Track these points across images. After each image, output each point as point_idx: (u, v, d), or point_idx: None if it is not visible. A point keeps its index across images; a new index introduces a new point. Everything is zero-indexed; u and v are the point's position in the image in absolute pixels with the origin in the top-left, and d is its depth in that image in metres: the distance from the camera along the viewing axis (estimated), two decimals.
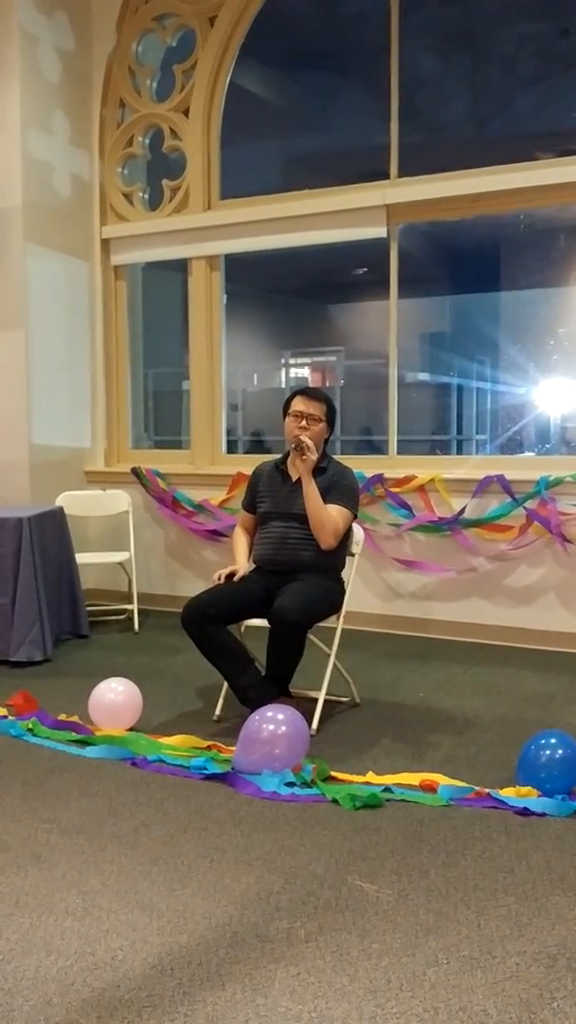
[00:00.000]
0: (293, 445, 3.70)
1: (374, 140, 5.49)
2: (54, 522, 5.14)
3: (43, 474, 5.74)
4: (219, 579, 3.75)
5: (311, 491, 3.69)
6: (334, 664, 3.81)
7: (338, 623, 3.82)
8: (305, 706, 3.60)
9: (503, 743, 3.51)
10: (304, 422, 3.76)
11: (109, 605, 5.81)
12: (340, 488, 3.78)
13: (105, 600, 5.90)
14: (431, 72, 8.27)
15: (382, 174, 5.40)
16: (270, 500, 3.88)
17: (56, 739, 3.56)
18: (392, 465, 5.40)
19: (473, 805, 2.95)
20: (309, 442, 3.67)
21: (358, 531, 4.02)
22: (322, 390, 3.97)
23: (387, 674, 4.51)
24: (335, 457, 4.05)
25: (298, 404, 3.80)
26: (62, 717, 3.77)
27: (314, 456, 3.69)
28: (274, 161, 9.00)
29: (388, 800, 2.99)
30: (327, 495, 3.73)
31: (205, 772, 3.19)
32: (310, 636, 3.64)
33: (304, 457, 3.67)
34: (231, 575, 3.76)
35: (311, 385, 13.53)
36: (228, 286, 6.01)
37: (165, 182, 5.96)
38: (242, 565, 3.83)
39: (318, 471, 3.78)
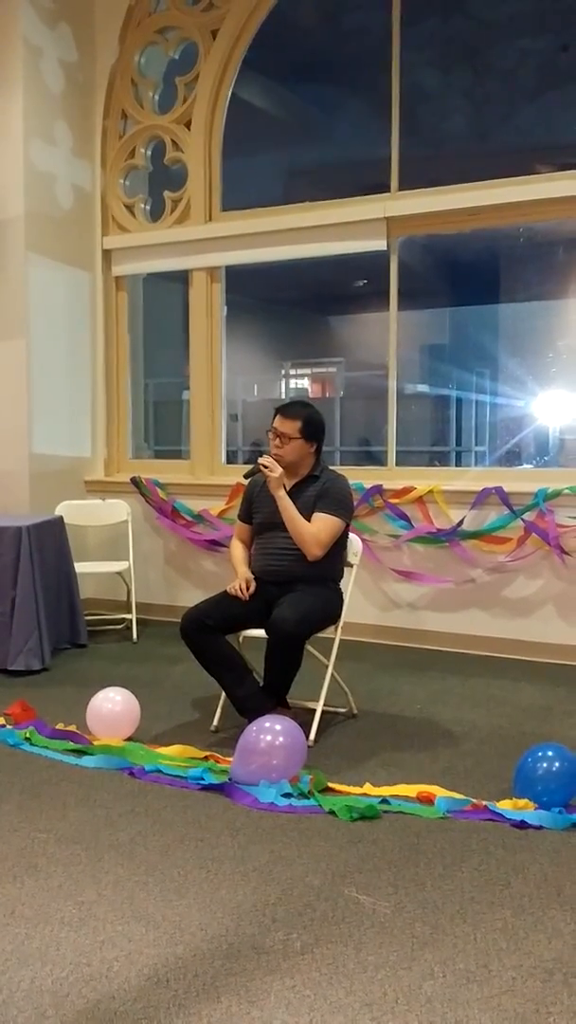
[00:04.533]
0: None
1: (375, 153, 5.51)
2: (53, 531, 5.14)
3: (43, 483, 5.74)
4: (235, 591, 3.67)
5: (284, 505, 3.70)
6: (332, 675, 3.81)
7: (336, 634, 3.82)
8: (303, 717, 3.60)
9: (500, 755, 3.51)
10: (278, 441, 3.78)
11: (108, 615, 5.81)
12: (329, 496, 3.77)
13: (104, 610, 5.89)
14: (432, 86, 8.31)
15: (383, 187, 5.42)
16: (265, 511, 3.87)
17: (53, 748, 3.56)
18: (391, 476, 5.41)
19: (470, 817, 2.95)
20: (266, 460, 3.71)
21: (356, 542, 4.02)
22: (301, 406, 3.87)
23: (385, 685, 4.51)
24: (332, 467, 4.04)
25: (275, 422, 3.82)
26: (60, 726, 3.77)
27: (275, 473, 3.69)
28: (275, 173, 9.03)
29: (385, 812, 2.98)
30: (317, 503, 3.74)
31: (202, 783, 3.18)
32: (308, 647, 3.64)
33: (267, 476, 3.71)
34: (246, 586, 3.70)
35: (310, 396, 13.58)
36: (229, 297, 6.02)
37: (166, 193, 5.99)
38: (245, 575, 3.78)
39: (310, 480, 3.79)
